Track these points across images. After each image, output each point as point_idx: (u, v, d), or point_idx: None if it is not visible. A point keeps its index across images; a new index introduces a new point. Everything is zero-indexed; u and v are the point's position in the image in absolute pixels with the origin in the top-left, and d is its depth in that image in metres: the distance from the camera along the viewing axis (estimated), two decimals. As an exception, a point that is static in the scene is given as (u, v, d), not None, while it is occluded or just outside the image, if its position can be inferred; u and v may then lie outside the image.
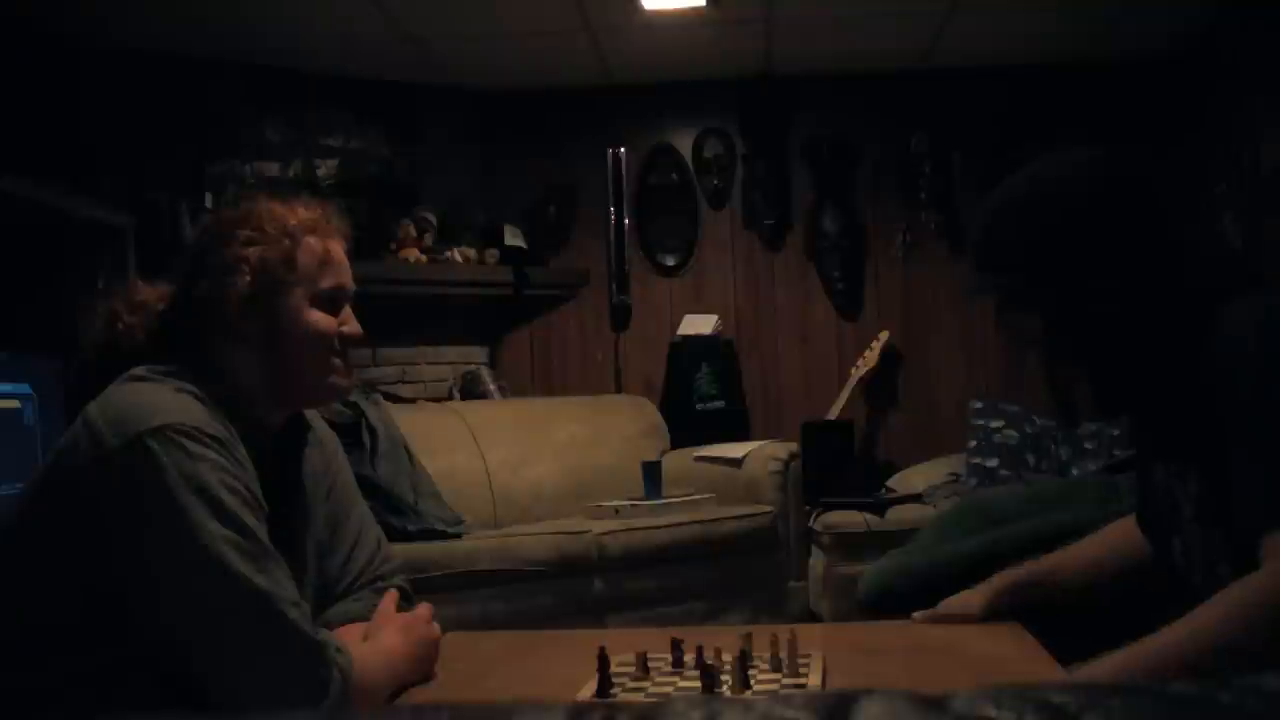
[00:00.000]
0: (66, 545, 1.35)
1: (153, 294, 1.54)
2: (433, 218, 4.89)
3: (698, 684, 1.40)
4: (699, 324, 5.00)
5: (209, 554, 1.29)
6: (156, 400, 1.36)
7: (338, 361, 1.53)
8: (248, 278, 1.45)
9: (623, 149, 5.04)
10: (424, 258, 4.78)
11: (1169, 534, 1.35)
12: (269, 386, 1.49)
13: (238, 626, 1.30)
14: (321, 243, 1.52)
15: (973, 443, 4.58)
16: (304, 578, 1.48)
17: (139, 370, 1.42)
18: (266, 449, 1.48)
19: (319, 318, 1.50)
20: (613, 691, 1.39)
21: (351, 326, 1.54)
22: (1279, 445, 1.27)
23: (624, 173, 5.03)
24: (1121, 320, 1.40)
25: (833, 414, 4.82)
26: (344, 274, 1.54)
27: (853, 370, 4.97)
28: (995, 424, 4.60)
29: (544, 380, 5.20)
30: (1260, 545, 1.28)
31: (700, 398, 4.84)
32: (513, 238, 5.00)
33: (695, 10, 4.31)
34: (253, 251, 1.46)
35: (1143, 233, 1.39)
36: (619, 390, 4.98)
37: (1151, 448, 1.49)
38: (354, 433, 3.55)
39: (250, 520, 1.33)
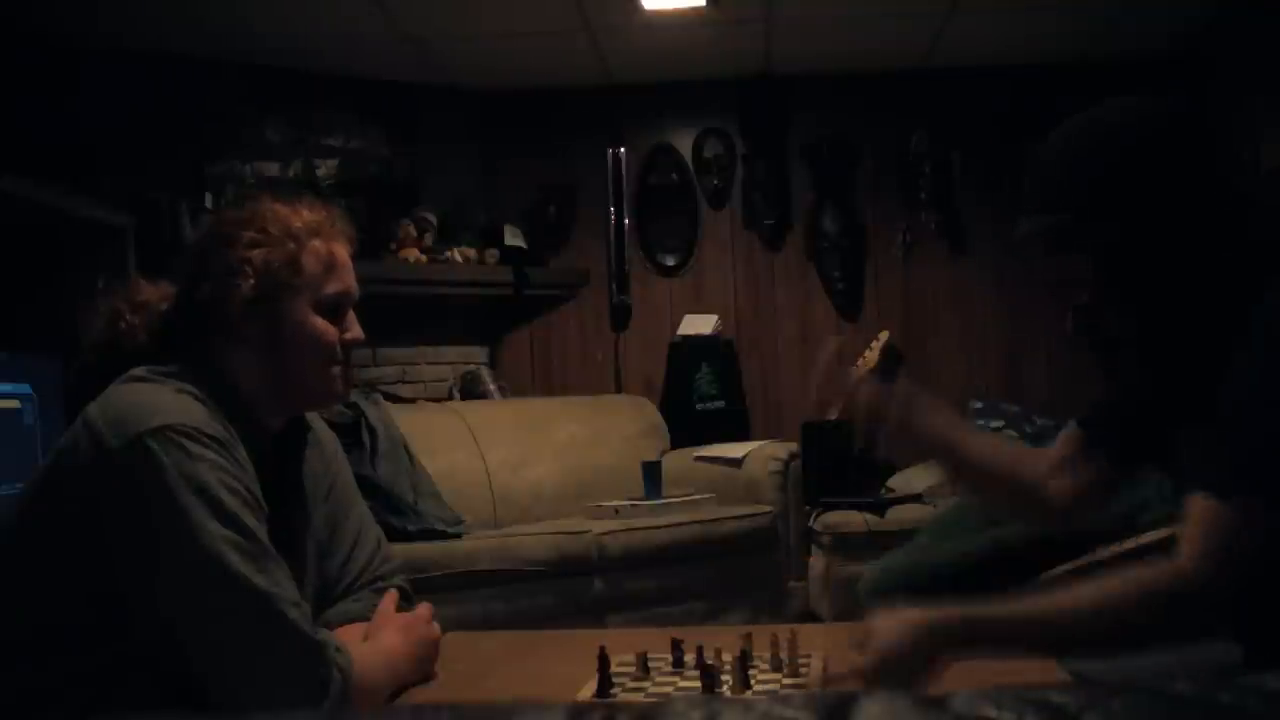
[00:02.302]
0: (66, 545, 1.35)
1: (155, 293, 1.54)
2: (433, 218, 4.89)
3: (698, 684, 1.40)
4: (699, 324, 5.00)
5: (209, 554, 1.29)
6: (157, 400, 1.36)
7: (338, 367, 1.53)
8: (251, 281, 1.45)
9: (623, 149, 5.04)
10: (424, 258, 4.78)
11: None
12: (269, 389, 1.49)
13: (238, 626, 1.30)
14: (326, 246, 1.51)
15: (973, 443, 4.58)
16: (304, 578, 1.48)
17: (139, 370, 1.42)
18: (266, 450, 1.48)
19: (321, 324, 1.50)
20: (613, 691, 1.39)
21: (354, 332, 1.54)
22: (1265, 419, 1.26)
23: (624, 173, 5.03)
24: (1176, 263, 1.39)
25: (833, 414, 4.81)
26: (348, 279, 1.54)
27: (853, 370, 4.97)
28: (995, 424, 4.60)
29: (544, 380, 5.20)
30: (1185, 502, 1.29)
31: (700, 398, 4.84)
32: (513, 238, 5.00)
33: (695, 10, 4.31)
34: (256, 254, 1.46)
35: (1202, 175, 1.38)
36: (619, 390, 4.98)
37: (1179, 405, 1.48)
38: (354, 433, 3.55)
39: (250, 521, 1.33)
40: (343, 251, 1.54)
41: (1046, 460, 1.64)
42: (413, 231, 4.81)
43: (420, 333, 4.85)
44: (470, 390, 4.77)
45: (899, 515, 4.10)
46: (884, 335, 5.60)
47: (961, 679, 1.34)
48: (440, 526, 3.53)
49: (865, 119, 5.17)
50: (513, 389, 4.95)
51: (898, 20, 4.54)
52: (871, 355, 5.64)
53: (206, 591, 1.30)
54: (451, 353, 4.98)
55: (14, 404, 3.39)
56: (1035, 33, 4.67)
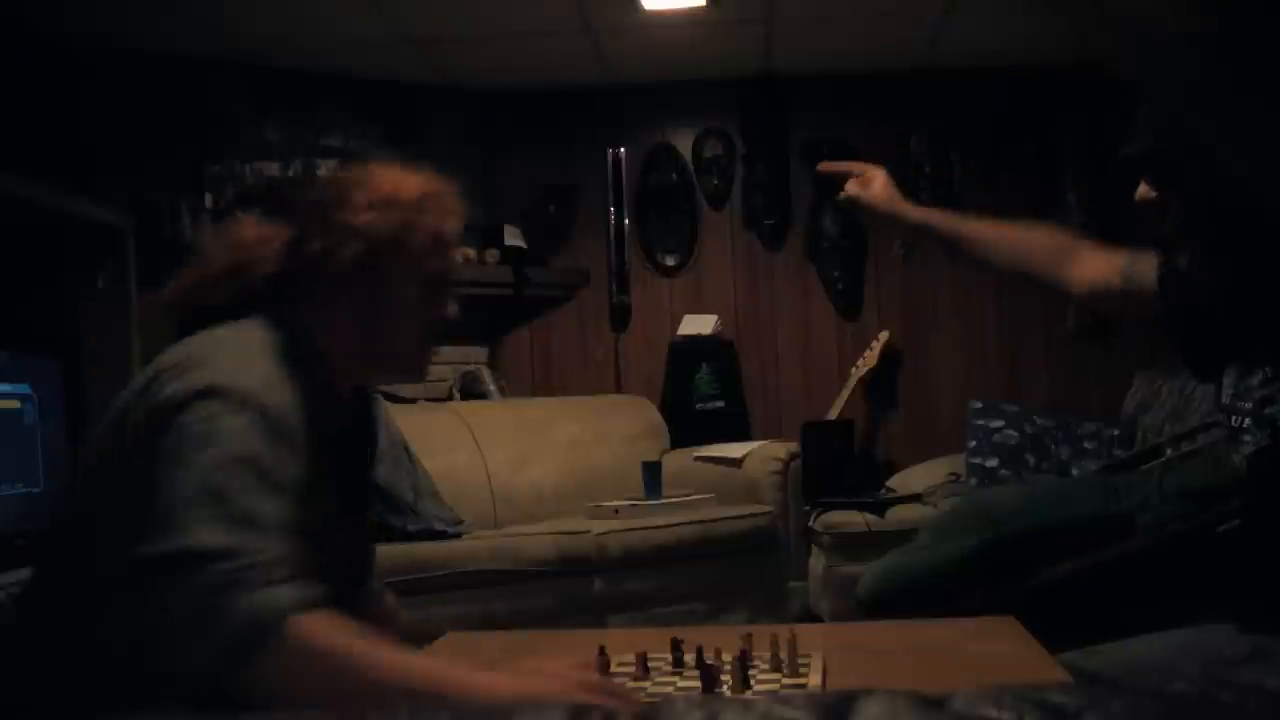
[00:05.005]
0: (120, 481, 1.33)
1: (271, 232, 1.51)
2: (433, 218, 4.89)
3: (698, 684, 1.40)
4: (699, 324, 5.00)
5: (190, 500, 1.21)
6: (226, 358, 1.33)
7: (428, 344, 1.53)
8: (359, 246, 1.44)
9: (623, 149, 5.04)
10: (424, 258, 4.78)
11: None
12: (357, 354, 1.48)
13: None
14: (436, 221, 1.51)
15: (973, 443, 4.58)
16: (367, 553, 1.48)
17: (231, 327, 1.40)
18: (342, 414, 1.48)
19: (420, 299, 1.50)
20: (613, 691, 1.39)
21: (450, 310, 1.54)
22: None
23: (624, 173, 5.03)
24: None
25: (833, 414, 4.82)
26: (453, 258, 1.54)
27: (853, 370, 4.97)
28: (995, 424, 4.60)
29: (544, 380, 5.20)
30: None
31: (700, 398, 4.84)
32: (513, 238, 5.00)
33: (695, 10, 4.31)
34: (369, 219, 1.45)
35: None
36: (619, 390, 4.98)
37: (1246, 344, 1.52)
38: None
39: (259, 498, 1.24)
40: (451, 228, 1.53)
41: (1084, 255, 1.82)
42: (413, 231, 4.81)
43: (420, 333, 4.84)
44: (470, 390, 4.77)
45: (899, 515, 4.09)
46: (884, 335, 5.61)
47: (961, 679, 1.34)
48: (440, 526, 3.53)
49: (865, 119, 5.16)
50: (513, 389, 4.95)
51: (897, 20, 4.54)
52: (871, 355, 5.65)
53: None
54: (451, 353, 4.98)
55: (14, 404, 3.39)
56: (1035, 33, 4.67)
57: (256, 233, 1.51)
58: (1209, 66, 1.41)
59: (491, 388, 4.78)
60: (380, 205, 1.47)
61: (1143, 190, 1.60)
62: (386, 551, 2.68)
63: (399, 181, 1.50)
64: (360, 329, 1.47)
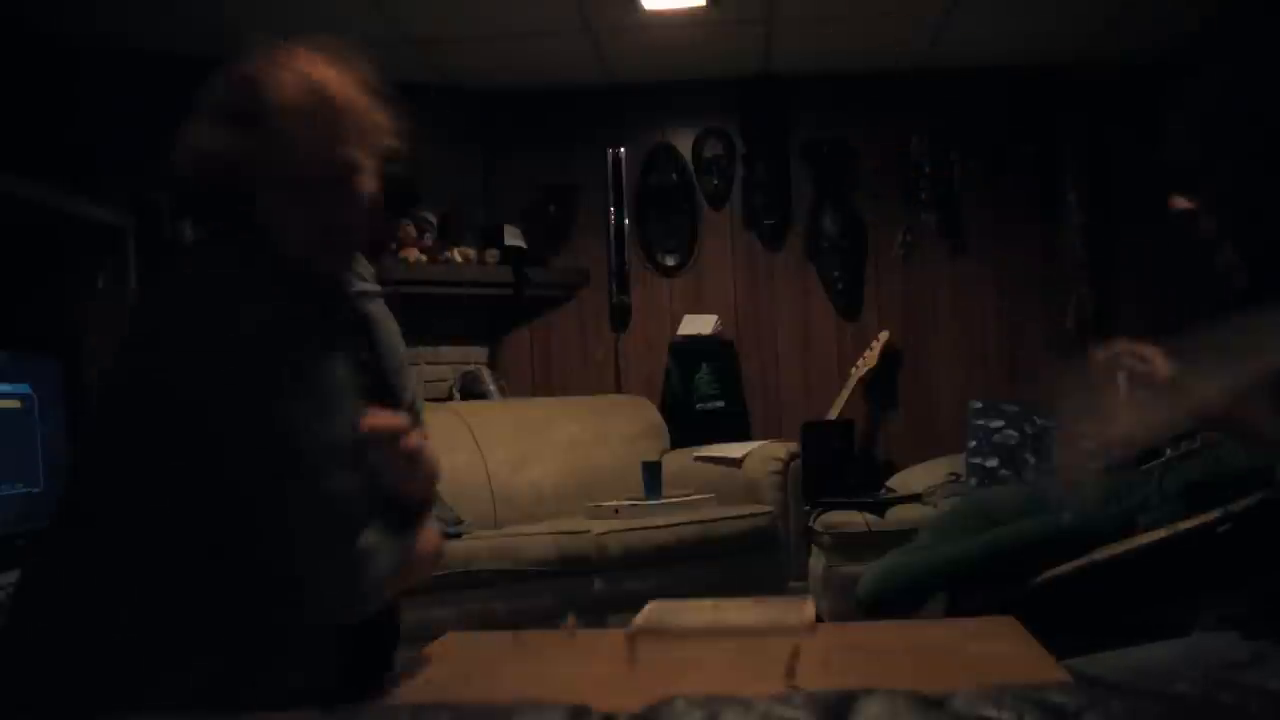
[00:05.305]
0: (157, 441, 1.37)
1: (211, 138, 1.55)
2: (433, 218, 4.89)
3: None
4: (699, 324, 5.00)
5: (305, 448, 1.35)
6: (240, 301, 1.38)
7: (328, 246, 1.52)
8: (223, 152, 1.49)
9: (623, 149, 5.04)
10: (424, 258, 4.78)
11: None
12: (290, 254, 1.48)
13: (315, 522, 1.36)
14: (305, 125, 1.51)
15: (972, 443, 4.58)
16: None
17: (211, 254, 1.46)
18: (334, 297, 1.51)
19: (299, 202, 1.49)
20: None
21: (351, 212, 1.53)
22: None
23: (624, 173, 5.04)
24: None
25: (833, 414, 4.81)
26: (339, 157, 1.54)
27: (853, 370, 4.97)
28: (995, 424, 4.60)
29: (544, 380, 5.20)
30: None
31: (700, 398, 4.84)
32: (513, 238, 5.00)
33: (695, 10, 4.31)
34: (227, 129, 1.50)
35: None
36: (619, 390, 4.98)
37: None
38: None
39: (336, 427, 1.38)
40: (323, 130, 1.54)
41: None
42: (413, 232, 4.81)
43: (420, 333, 4.84)
44: (470, 390, 4.76)
45: (899, 515, 4.09)
46: (884, 335, 5.61)
47: (961, 679, 1.34)
48: (440, 527, 3.53)
49: (865, 119, 5.16)
50: (513, 389, 4.95)
51: (897, 20, 4.54)
52: (871, 355, 5.65)
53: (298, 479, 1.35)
54: (451, 353, 4.98)
55: (14, 404, 3.39)
56: (1035, 32, 4.67)
57: (201, 136, 1.53)
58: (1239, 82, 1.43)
59: (491, 388, 4.78)
60: (244, 111, 1.48)
61: (1177, 200, 1.61)
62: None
63: (276, 86, 1.51)
64: (271, 231, 1.48)
